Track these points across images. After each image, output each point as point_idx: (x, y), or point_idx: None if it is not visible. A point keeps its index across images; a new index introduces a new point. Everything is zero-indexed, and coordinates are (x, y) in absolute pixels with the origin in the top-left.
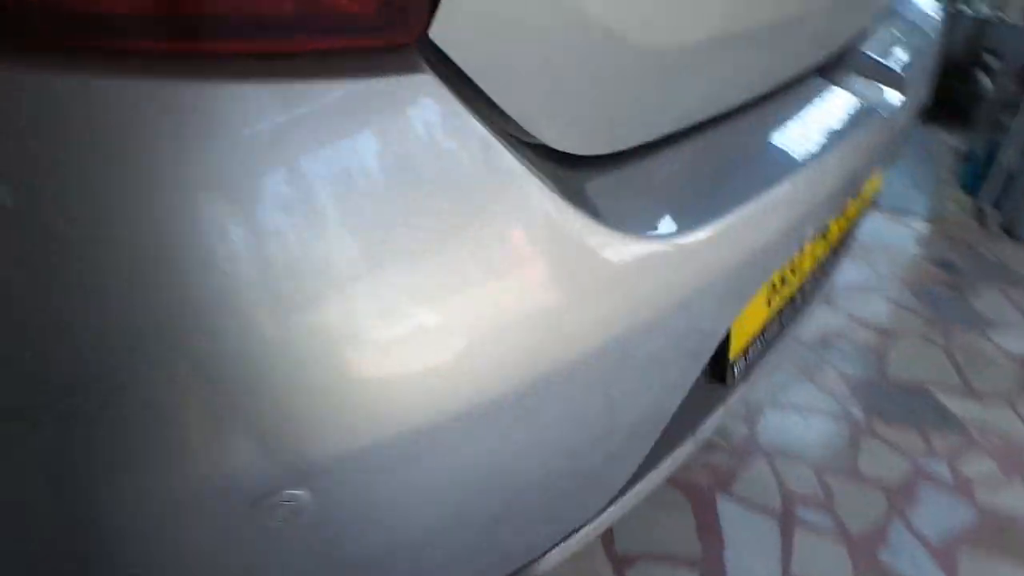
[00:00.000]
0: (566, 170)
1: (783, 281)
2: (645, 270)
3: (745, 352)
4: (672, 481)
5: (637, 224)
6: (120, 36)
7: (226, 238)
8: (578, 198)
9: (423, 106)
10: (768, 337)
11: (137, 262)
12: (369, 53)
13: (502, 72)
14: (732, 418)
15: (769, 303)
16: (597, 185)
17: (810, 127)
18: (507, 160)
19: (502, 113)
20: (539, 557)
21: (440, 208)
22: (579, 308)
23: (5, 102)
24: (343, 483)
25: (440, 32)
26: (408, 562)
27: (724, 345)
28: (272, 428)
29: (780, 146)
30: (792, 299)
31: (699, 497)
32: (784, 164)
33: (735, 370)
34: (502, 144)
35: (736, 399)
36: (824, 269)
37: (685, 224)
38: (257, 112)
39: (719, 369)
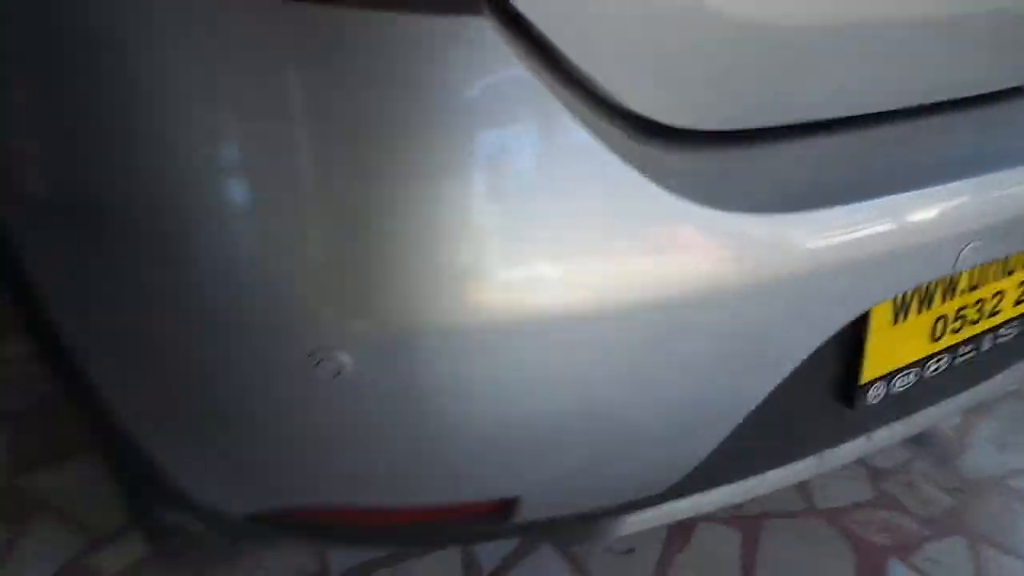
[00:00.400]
0: (660, 140)
1: (961, 317)
2: (714, 244)
3: (888, 381)
4: (841, 528)
5: (717, 199)
6: None
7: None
8: (656, 168)
9: (480, 47)
10: (932, 376)
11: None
12: None
13: (580, 28)
14: (935, 487)
15: (935, 336)
16: (701, 159)
17: (986, 147)
18: (554, 108)
19: (575, 68)
20: (601, 513)
21: (475, 145)
22: (621, 258)
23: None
24: (386, 354)
25: None
26: (448, 461)
27: (854, 366)
28: (342, 294)
29: (932, 158)
30: (977, 343)
31: (868, 554)
32: (928, 176)
33: (867, 396)
34: (551, 93)
35: (884, 436)
36: None
37: (772, 207)
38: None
39: (846, 390)
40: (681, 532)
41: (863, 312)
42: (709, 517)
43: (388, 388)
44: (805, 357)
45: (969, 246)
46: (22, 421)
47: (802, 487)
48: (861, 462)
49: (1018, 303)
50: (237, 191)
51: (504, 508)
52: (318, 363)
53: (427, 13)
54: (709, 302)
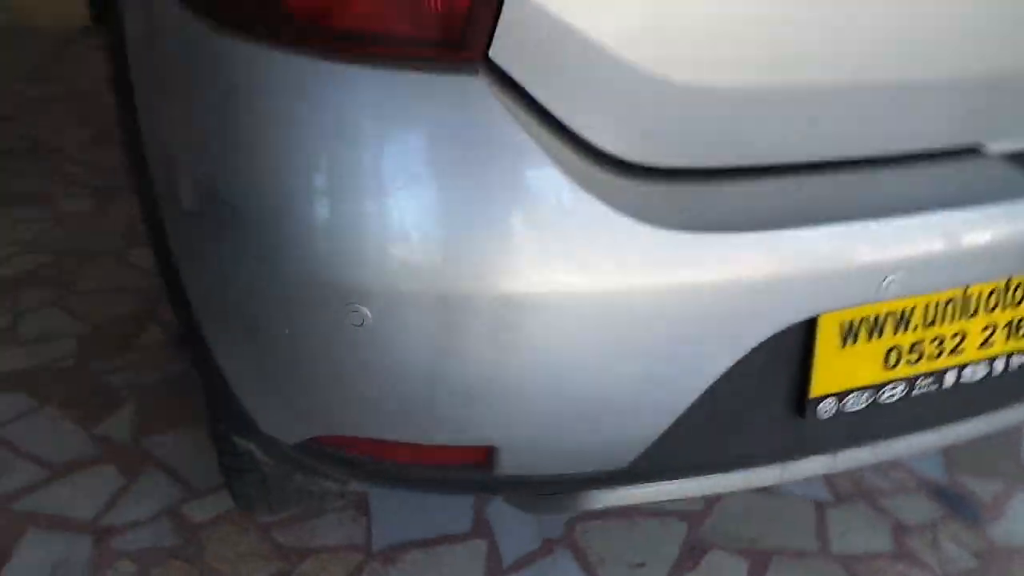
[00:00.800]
0: (620, 172)
1: (917, 350)
2: (652, 255)
3: (839, 399)
4: (852, 574)
5: (660, 219)
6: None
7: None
8: (609, 192)
9: (475, 99)
10: (891, 404)
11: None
12: (449, 62)
13: (555, 85)
14: (960, 548)
15: (888, 364)
16: (652, 189)
17: (908, 194)
18: (525, 144)
19: (552, 113)
20: (571, 481)
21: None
22: (556, 253)
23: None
24: (394, 312)
25: (499, 52)
26: (435, 404)
27: (805, 379)
28: (359, 256)
29: (854, 200)
30: (938, 378)
31: None
32: (850, 214)
33: (818, 409)
34: (530, 134)
35: (850, 459)
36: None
37: (707, 228)
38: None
39: (798, 401)
40: (691, 554)
41: (793, 324)
42: (721, 544)
43: (395, 339)
44: (736, 358)
45: (889, 278)
46: (149, 393)
47: (820, 530)
48: (887, 514)
49: (983, 345)
50: (299, 201)
51: (487, 457)
52: (348, 314)
53: (438, 73)
54: (648, 300)
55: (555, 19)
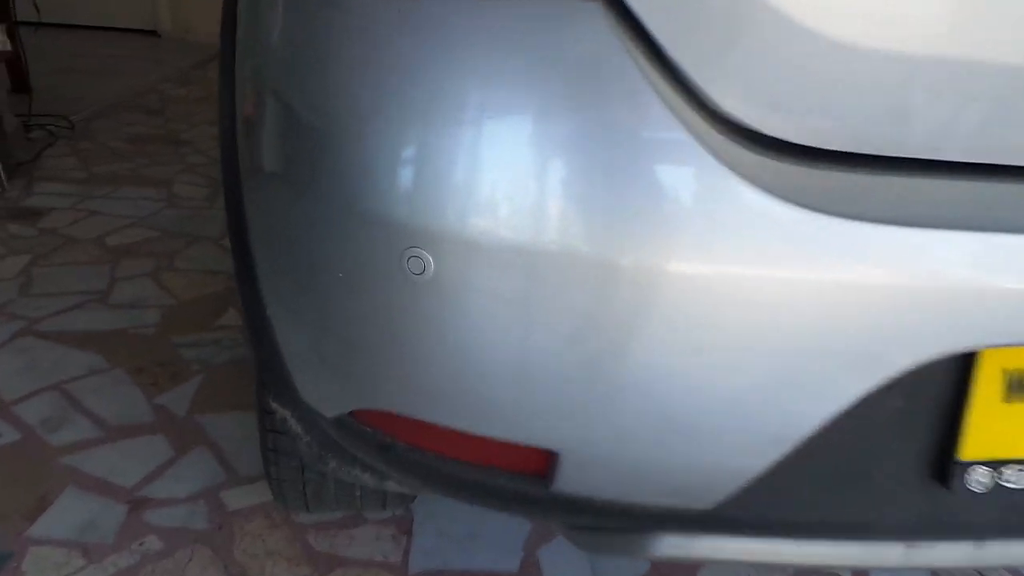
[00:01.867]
0: (749, 142)
1: None
2: (776, 234)
3: (995, 468)
4: None
5: (795, 198)
6: None
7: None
8: (735, 159)
9: (588, 30)
10: None
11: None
12: None
13: (675, 23)
14: None
15: None
16: (786, 167)
17: None
18: (633, 82)
19: (669, 57)
20: (640, 514)
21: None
22: (659, 229)
23: None
24: (459, 260)
25: None
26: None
27: (952, 437)
28: (419, 200)
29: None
30: None
31: None
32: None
33: (967, 478)
34: (641, 73)
35: (1002, 553)
36: None
37: (848, 214)
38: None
39: (941, 464)
40: None
41: (945, 356)
42: None
43: (457, 296)
44: (870, 388)
45: None
46: (216, 372)
47: None
48: None
49: None
50: (374, 125)
51: (545, 466)
52: (409, 259)
53: None
54: (766, 296)
55: None
